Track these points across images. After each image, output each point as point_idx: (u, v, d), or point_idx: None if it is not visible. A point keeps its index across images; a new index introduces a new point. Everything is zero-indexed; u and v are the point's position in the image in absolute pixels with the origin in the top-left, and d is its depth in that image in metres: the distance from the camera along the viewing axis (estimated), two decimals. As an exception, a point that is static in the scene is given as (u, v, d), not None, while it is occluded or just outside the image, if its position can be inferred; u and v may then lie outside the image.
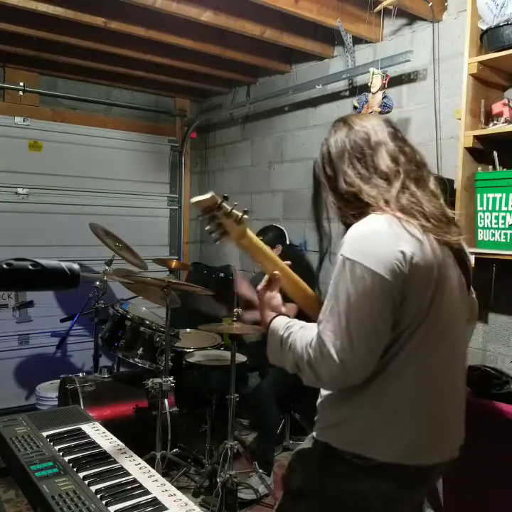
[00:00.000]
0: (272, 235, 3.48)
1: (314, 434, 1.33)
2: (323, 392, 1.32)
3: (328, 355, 1.13)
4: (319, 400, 1.34)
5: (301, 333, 1.23)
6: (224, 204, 1.20)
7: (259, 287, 1.40)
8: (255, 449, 3.22)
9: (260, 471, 2.90)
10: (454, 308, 1.25)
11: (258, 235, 3.57)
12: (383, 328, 1.15)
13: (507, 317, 2.58)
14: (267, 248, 1.36)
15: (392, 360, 1.18)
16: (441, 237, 1.22)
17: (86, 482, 1.26)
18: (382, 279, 1.12)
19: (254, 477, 2.95)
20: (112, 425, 1.70)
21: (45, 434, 1.53)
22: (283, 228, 3.55)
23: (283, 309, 1.38)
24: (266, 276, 1.40)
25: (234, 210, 1.22)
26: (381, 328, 1.14)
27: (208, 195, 1.18)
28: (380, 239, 1.16)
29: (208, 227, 1.24)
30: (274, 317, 1.34)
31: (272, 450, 3.19)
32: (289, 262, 1.47)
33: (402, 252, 1.14)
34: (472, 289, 1.42)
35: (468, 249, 1.36)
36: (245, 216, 1.25)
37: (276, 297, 1.39)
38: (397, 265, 1.13)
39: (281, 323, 1.30)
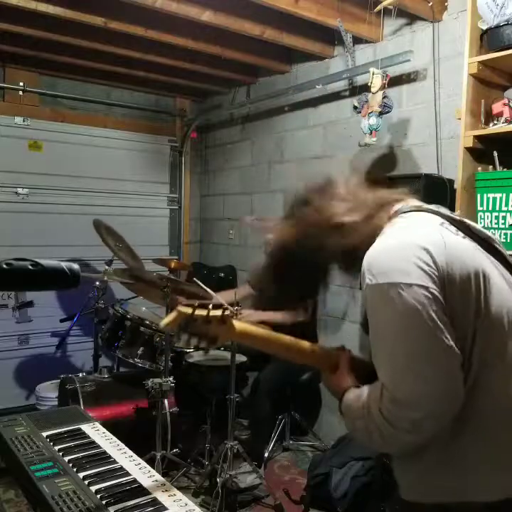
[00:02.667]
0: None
1: (402, 495, 1.12)
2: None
3: (400, 400, 0.95)
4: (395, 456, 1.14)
5: (369, 394, 1.03)
6: (197, 313, 1.02)
7: (324, 381, 1.26)
8: (248, 442, 3.27)
9: (253, 463, 2.94)
10: (507, 307, 1.04)
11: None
12: (446, 345, 0.94)
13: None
14: (262, 331, 1.17)
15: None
16: (466, 227, 1.08)
17: (86, 482, 1.26)
18: (424, 288, 0.95)
19: (244, 467, 2.98)
20: (111, 425, 1.69)
21: (45, 434, 1.53)
22: None
23: (349, 382, 1.18)
24: (322, 371, 1.26)
25: (212, 314, 1.03)
26: (443, 346, 0.94)
27: (174, 314, 1.02)
28: (399, 246, 1.01)
29: (192, 343, 1.06)
30: (344, 393, 1.16)
31: (263, 444, 3.28)
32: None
33: (428, 252, 0.98)
34: None
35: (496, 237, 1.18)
36: (226, 312, 1.05)
37: (341, 379, 1.20)
38: (429, 268, 0.97)
39: (351, 396, 1.12)
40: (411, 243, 1.00)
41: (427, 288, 0.95)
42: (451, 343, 0.95)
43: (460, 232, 1.08)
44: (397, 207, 1.14)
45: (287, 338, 1.21)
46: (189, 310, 1.02)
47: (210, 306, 1.03)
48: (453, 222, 1.10)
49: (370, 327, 1.02)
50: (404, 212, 1.11)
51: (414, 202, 1.17)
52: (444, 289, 0.97)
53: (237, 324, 1.10)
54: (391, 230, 1.07)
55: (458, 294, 0.99)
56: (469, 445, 1.01)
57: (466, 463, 1.02)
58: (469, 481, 1.02)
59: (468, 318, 0.99)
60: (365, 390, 1.07)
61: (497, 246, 1.14)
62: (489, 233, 1.15)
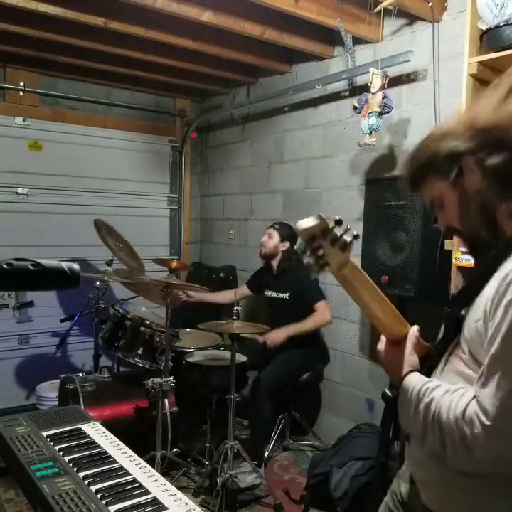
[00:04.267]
0: (287, 230, 3.52)
1: (429, 505, 1.07)
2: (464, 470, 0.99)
3: (497, 429, 0.87)
4: (445, 480, 1.05)
5: (449, 399, 0.95)
6: (335, 230, 0.99)
7: (381, 349, 1.21)
8: (248, 442, 3.28)
9: (253, 463, 2.95)
10: None
11: (275, 224, 3.62)
12: None
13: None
14: (368, 279, 1.12)
15: None
16: None
17: (86, 482, 1.26)
18: None
19: (244, 467, 2.98)
20: (112, 425, 1.69)
21: (45, 434, 1.53)
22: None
23: (415, 362, 1.13)
24: (383, 338, 1.20)
25: (343, 237, 0.99)
26: None
27: (317, 220, 0.98)
28: None
29: (307, 260, 1.02)
30: (407, 373, 1.09)
31: (263, 443, 3.31)
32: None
33: None
34: None
35: None
36: (353, 243, 1.01)
37: (405, 355, 1.13)
38: None
39: (415, 382, 1.05)
40: None
41: None
42: None
43: None
44: None
45: (379, 292, 1.14)
46: (330, 223, 0.99)
47: (347, 229, 1.00)
48: None
49: (497, 341, 0.91)
50: None
51: None
52: None
53: (352, 261, 1.06)
54: None
55: None
56: None
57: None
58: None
59: None
60: (435, 384, 1.02)
61: None
62: None
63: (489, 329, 0.94)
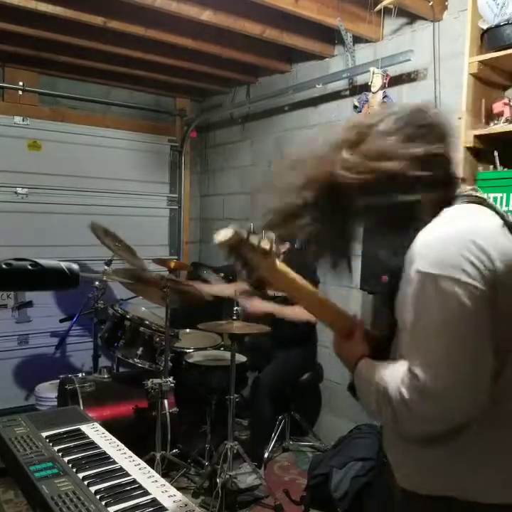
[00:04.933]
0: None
1: (401, 484, 1.13)
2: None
3: (427, 389, 0.94)
4: (396, 443, 1.15)
5: (392, 374, 1.03)
6: (249, 240, 1.05)
7: (334, 345, 1.26)
8: (248, 443, 3.27)
9: (253, 464, 2.94)
10: None
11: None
12: (487, 347, 0.96)
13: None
14: (300, 280, 1.19)
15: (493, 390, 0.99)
16: None
17: (85, 483, 1.26)
18: (475, 289, 0.94)
19: (244, 467, 2.98)
20: (111, 426, 1.69)
21: (44, 434, 1.52)
22: None
23: (364, 350, 1.19)
24: (334, 336, 1.26)
25: (261, 245, 1.06)
26: (482, 347, 0.96)
27: (231, 232, 1.04)
28: (460, 241, 0.98)
29: (236, 266, 1.11)
30: (358, 361, 1.16)
31: (263, 444, 3.30)
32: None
33: (487, 254, 0.96)
34: None
35: None
36: (273, 248, 1.08)
37: (356, 345, 1.20)
38: (485, 269, 0.95)
39: (366, 366, 1.13)
40: (472, 241, 0.97)
41: (480, 289, 0.95)
42: (489, 348, 0.96)
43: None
44: (459, 190, 1.10)
45: (316, 291, 1.24)
46: (244, 233, 1.05)
47: (262, 236, 1.06)
48: (508, 225, 1.07)
49: (410, 311, 1.01)
50: (467, 200, 1.08)
51: (476, 191, 1.12)
52: (496, 294, 0.96)
53: (279, 264, 1.12)
54: (451, 216, 1.04)
55: (508, 300, 0.98)
56: (486, 444, 1.02)
57: (478, 461, 1.02)
58: (480, 480, 1.02)
59: None
60: (383, 365, 1.08)
61: None
62: None
63: (407, 306, 1.02)
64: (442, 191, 1.07)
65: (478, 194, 1.11)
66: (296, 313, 3.30)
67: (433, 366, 0.95)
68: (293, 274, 1.17)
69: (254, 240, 1.05)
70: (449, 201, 1.08)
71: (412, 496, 1.10)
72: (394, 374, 1.02)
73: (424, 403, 0.95)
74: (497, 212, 1.08)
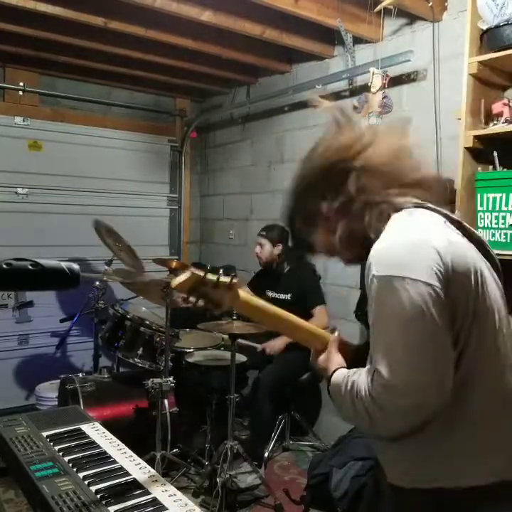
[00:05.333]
0: (276, 233, 3.51)
1: (389, 479, 1.17)
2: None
3: (392, 385, 0.98)
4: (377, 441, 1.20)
5: (362, 378, 1.06)
6: (208, 277, 1.09)
7: (313, 360, 1.30)
8: (248, 442, 3.28)
9: (253, 463, 2.95)
10: (497, 305, 1.10)
11: (262, 230, 3.61)
12: (445, 342, 1.00)
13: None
14: (265, 304, 1.24)
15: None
16: (462, 227, 1.13)
17: (86, 482, 1.26)
18: (429, 286, 0.98)
19: (245, 467, 2.98)
20: (111, 425, 1.69)
21: (45, 434, 1.53)
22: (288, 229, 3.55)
23: (337, 362, 1.22)
24: (313, 350, 1.30)
25: (221, 279, 1.10)
26: (443, 342, 1.00)
27: (186, 275, 1.08)
28: (409, 243, 1.04)
29: (199, 305, 1.14)
30: (333, 373, 1.19)
31: (263, 444, 3.31)
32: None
33: (436, 250, 1.02)
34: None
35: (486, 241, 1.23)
36: (234, 280, 1.12)
37: (330, 358, 1.24)
38: (436, 265, 1.00)
39: (341, 376, 1.15)
40: (420, 240, 1.03)
41: (432, 286, 0.99)
42: (448, 340, 1.01)
43: (459, 232, 1.13)
44: (399, 200, 1.15)
45: (285, 313, 1.28)
46: (201, 273, 1.08)
47: (221, 272, 1.10)
48: (452, 221, 1.14)
49: (371, 316, 1.05)
50: (408, 208, 1.13)
51: (415, 198, 1.18)
52: (447, 287, 1.01)
53: (242, 294, 1.16)
54: (397, 224, 1.10)
55: (459, 291, 1.03)
56: (457, 431, 1.06)
57: (452, 448, 1.07)
58: (456, 466, 1.06)
59: (466, 315, 1.04)
60: (354, 372, 1.12)
61: (488, 249, 1.20)
62: (481, 235, 1.21)
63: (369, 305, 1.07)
64: (381, 204, 1.13)
65: (417, 200, 1.16)
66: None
67: (394, 363, 0.98)
68: (257, 302, 1.23)
69: (212, 277, 1.09)
70: (396, 209, 1.13)
71: (399, 490, 1.13)
72: (364, 376, 1.06)
73: (392, 399, 0.99)
74: (439, 213, 1.14)
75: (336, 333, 1.30)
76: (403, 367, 0.98)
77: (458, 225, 1.15)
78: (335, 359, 1.23)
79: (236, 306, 1.19)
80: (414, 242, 1.03)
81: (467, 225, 1.17)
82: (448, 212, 1.16)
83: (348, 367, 1.17)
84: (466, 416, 1.06)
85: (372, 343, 1.06)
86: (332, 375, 1.18)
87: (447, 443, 1.07)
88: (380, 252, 1.06)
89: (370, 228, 1.13)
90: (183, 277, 1.08)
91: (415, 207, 1.13)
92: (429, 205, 1.16)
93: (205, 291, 1.10)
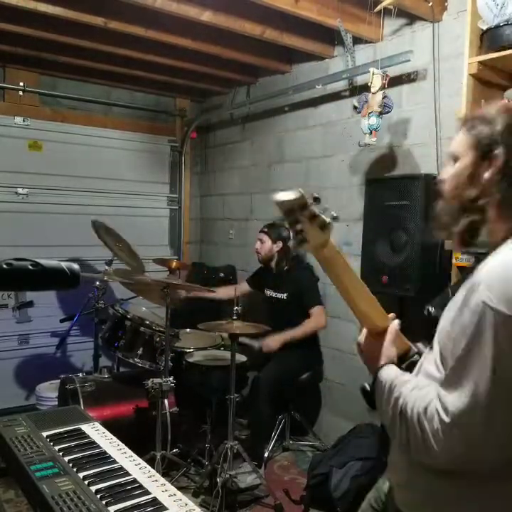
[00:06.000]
0: (277, 231, 3.52)
1: (400, 506, 1.10)
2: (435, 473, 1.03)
3: (455, 428, 0.91)
4: (419, 476, 1.07)
5: (415, 396, 0.99)
6: (310, 208, 0.99)
7: (361, 340, 1.24)
8: (248, 442, 3.27)
9: (253, 463, 2.95)
10: None
11: (265, 227, 3.62)
12: None
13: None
14: (348, 265, 1.13)
15: None
16: None
17: (86, 482, 1.26)
18: None
19: (245, 467, 2.99)
20: (111, 425, 1.69)
21: (45, 434, 1.52)
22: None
23: (393, 355, 1.16)
24: (364, 330, 1.23)
25: (322, 215, 1.01)
26: None
27: (295, 194, 0.99)
28: None
29: (286, 233, 1.09)
30: (383, 366, 1.12)
31: (263, 444, 3.31)
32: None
33: None
34: None
35: None
36: (332, 223, 1.03)
37: (383, 349, 1.16)
38: None
39: (391, 375, 1.08)
40: None
41: None
42: None
43: None
44: None
45: (359, 280, 1.17)
46: (309, 199, 1.00)
47: (326, 208, 1.02)
48: None
49: (460, 340, 0.95)
50: None
51: None
52: None
53: (332, 242, 1.07)
54: None
55: None
56: (495, 492, 0.98)
57: (485, 505, 0.99)
58: None
59: None
60: (410, 381, 1.04)
61: None
62: None
63: (456, 333, 0.96)
64: None
65: None
66: (306, 332, 3.34)
67: (470, 407, 0.90)
68: (341, 256, 1.12)
69: (316, 208, 1.01)
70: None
71: None
72: (420, 395, 0.98)
73: (446, 441, 0.92)
74: None
75: (397, 323, 1.20)
76: (475, 414, 0.90)
77: None
78: (388, 351, 1.14)
79: (319, 251, 1.07)
80: None
81: None
82: None
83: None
84: (507, 481, 0.97)
85: (450, 370, 0.96)
86: (381, 368, 1.11)
87: (481, 501, 0.99)
88: (497, 276, 0.91)
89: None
90: (289, 194, 1.00)
91: None
92: None
93: (301, 218, 1.00)
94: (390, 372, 1.09)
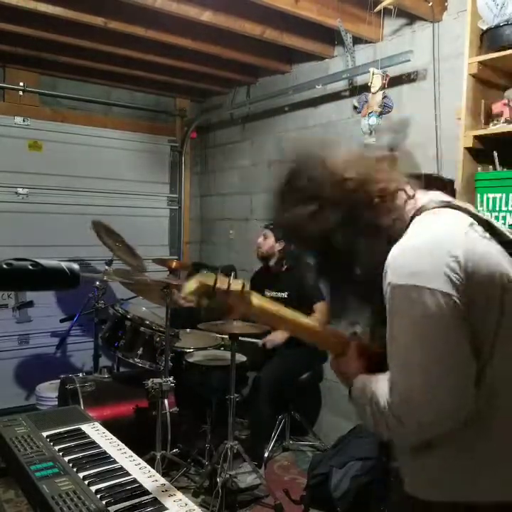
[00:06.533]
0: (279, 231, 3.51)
1: (408, 489, 1.13)
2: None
3: (408, 399, 0.96)
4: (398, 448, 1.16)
5: (381, 388, 1.03)
6: (219, 286, 1.06)
7: (331, 364, 1.27)
8: (248, 442, 3.27)
9: (253, 463, 2.94)
10: None
11: (269, 224, 3.61)
12: (459, 353, 0.95)
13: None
14: (279, 308, 1.19)
15: (493, 396, 0.99)
16: (491, 228, 1.05)
17: (86, 482, 1.26)
18: (448, 297, 0.93)
19: (245, 467, 2.99)
20: (111, 425, 1.69)
21: (45, 434, 1.53)
22: None
23: (357, 368, 1.18)
24: (331, 354, 1.26)
25: (232, 288, 1.07)
26: (457, 353, 0.95)
27: (195, 283, 1.05)
28: (427, 249, 0.97)
29: (209, 313, 1.15)
30: (353, 377, 1.16)
31: (263, 444, 3.30)
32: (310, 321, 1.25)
33: (455, 257, 0.95)
34: None
35: None
36: (246, 288, 1.09)
37: (350, 364, 1.20)
38: (454, 275, 0.94)
39: (361, 384, 1.12)
40: (440, 247, 0.97)
41: (450, 296, 0.94)
42: (468, 354, 0.96)
43: (487, 234, 1.05)
44: (422, 199, 1.09)
45: (300, 317, 1.22)
46: (211, 281, 1.05)
47: (231, 279, 1.07)
48: (480, 221, 1.06)
49: (388, 325, 1.01)
50: (432, 208, 1.06)
51: (441, 196, 1.11)
52: (467, 297, 0.96)
53: (255, 300, 1.12)
54: (419, 227, 1.03)
55: (481, 301, 0.97)
56: (481, 445, 1.02)
57: (477, 461, 1.02)
58: (480, 481, 1.02)
59: (489, 327, 0.98)
60: (373, 380, 1.09)
61: None
62: None
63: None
64: (404, 204, 1.07)
65: (443, 198, 1.10)
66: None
67: (412, 377, 0.96)
68: (271, 306, 1.17)
69: (223, 284, 1.06)
70: (418, 210, 1.07)
71: (417, 502, 1.10)
72: (383, 387, 1.02)
73: (411, 413, 0.97)
74: (464, 210, 1.07)
75: (356, 337, 1.25)
76: (421, 381, 0.95)
77: (487, 225, 1.06)
78: (355, 364, 1.18)
79: (248, 314, 1.15)
80: (433, 249, 0.97)
81: (498, 225, 1.09)
82: (476, 212, 1.08)
83: (373, 371, 1.13)
84: (487, 431, 1.01)
85: (389, 354, 1.02)
86: (352, 384, 1.15)
87: (472, 459, 1.03)
88: (397, 257, 1.00)
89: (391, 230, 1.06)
90: (192, 285, 1.05)
91: (441, 207, 1.06)
92: (458, 203, 1.09)
93: (216, 298, 1.06)
94: (360, 382, 1.13)
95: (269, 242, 3.54)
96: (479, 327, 0.97)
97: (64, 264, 1.02)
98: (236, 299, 1.07)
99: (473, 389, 0.97)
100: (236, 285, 1.07)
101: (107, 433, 1.58)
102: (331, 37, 3.48)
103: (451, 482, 1.05)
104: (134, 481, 1.28)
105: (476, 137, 2.31)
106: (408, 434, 1.02)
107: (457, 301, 0.94)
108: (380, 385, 1.04)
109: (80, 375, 3.20)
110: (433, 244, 0.98)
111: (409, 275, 0.96)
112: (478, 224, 1.04)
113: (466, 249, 0.97)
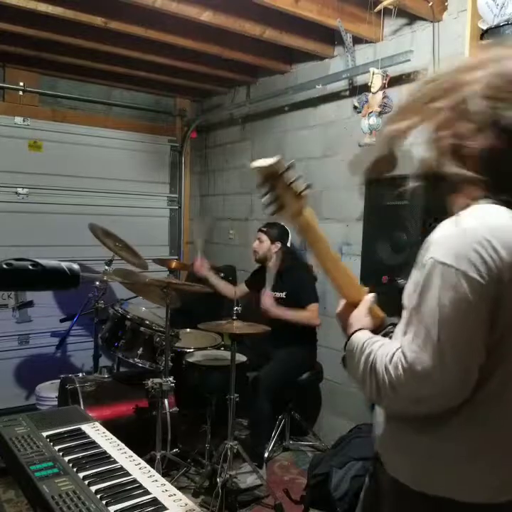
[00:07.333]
0: (276, 231, 3.51)
1: (386, 467, 1.16)
2: (393, 412, 1.13)
3: (414, 371, 0.98)
4: (383, 417, 1.17)
5: (383, 350, 1.06)
6: (286, 174, 1.05)
7: (338, 309, 1.30)
8: (248, 442, 3.27)
9: (253, 463, 2.94)
10: None
11: (264, 226, 3.62)
12: (479, 343, 0.98)
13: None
14: (322, 236, 1.19)
15: (481, 386, 1.01)
16: None
17: (86, 482, 1.26)
18: (478, 284, 0.95)
19: (245, 467, 2.98)
20: (111, 425, 1.69)
21: (45, 434, 1.53)
22: (288, 229, 3.57)
23: (366, 322, 1.21)
24: (343, 300, 1.29)
25: (295, 183, 1.07)
26: (476, 342, 0.98)
27: (272, 160, 1.04)
28: (473, 235, 0.98)
29: (264, 198, 1.11)
30: (355, 331, 1.18)
31: (263, 444, 3.29)
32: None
33: (498, 251, 0.97)
34: None
35: None
36: (306, 191, 1.09)
37: (358, 316, 1.23)
38: (494, 266, 0.96)
39: (362, 338, 1.14)
40: (487, 239, 0.98)
41: (487, 287, 0.96)
42: (481, 343, 0.98)
43: None
44: (475, 194, 1.07)
45: (334, 252, 1.25)
46: (284, 166, 1.05)
47: (299, 176, 1.07)
48: None
49: (412, 294, 1.03)
50: (492, 201, 1.05)
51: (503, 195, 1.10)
52: (502, 291, 0.97)
53: (308, 209, 1.12)
54: (475, 212, 1.03)
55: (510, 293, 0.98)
56: (468, 433, 1.04)
57: (461, 458, 1.04)
58: (463, 479, 1.04)
59: None
60: (377, 340, 1.10)
61: None
62: None
63: (411, 290, 1.05)
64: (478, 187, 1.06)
65: (503, 197, 1.08)
66: (296, 318, 3.33)
67: (423, 350, 0.97)
68: (316, 223, 1.16)
69: (291, 175, 1.05)
70: (477, 199, 1.07)
71: (403, 488, 1.11)
72: (385, 350, 1.05)
73: (408, 384, 0.99)
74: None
75: (372, 295, 1.27)
76: (430, 357, 0.97)
77: None
78: (362, 319, 1.20)
79: (297, 216, 1.13)
80: (481, 238, 0.97)
81: None
82: None
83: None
84: (483, 415, 1.03)
85: (405, 322, 1.04)
86: (353, 333, 1.17)
87: (463, 453, 1.04)
88: (445, 236, 1.01)
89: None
90: (266, 161, 1.05)
91: (495, 203, 1.05)
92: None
93: (276, 186, 1.06)
94: (361, 335, 1.15)
95: (264, 246, 3.54)
96: (502, 318, 0.99)
97: (64, 264, 1.02)
98: (293, 197, 1.07)
99: (475, 379, 0.99)
100: (300, 185, 1.07)
101: (107, 433, 1.58)
102: (331, 37, 3.48)
103: (445, 477, 1.06)
104: (134, 481, 1.28)
105: (476, 137, 2.31)
106: (398, 402, 1.03)
107: (489, 290, 0.96)
108: (382, 349, 1.06)
109: (80, 375, 3.20)
110: (482, 232, 0.98)
111: (451, 255, 0.98)
112: None
113: (509, 244, 0.98)
